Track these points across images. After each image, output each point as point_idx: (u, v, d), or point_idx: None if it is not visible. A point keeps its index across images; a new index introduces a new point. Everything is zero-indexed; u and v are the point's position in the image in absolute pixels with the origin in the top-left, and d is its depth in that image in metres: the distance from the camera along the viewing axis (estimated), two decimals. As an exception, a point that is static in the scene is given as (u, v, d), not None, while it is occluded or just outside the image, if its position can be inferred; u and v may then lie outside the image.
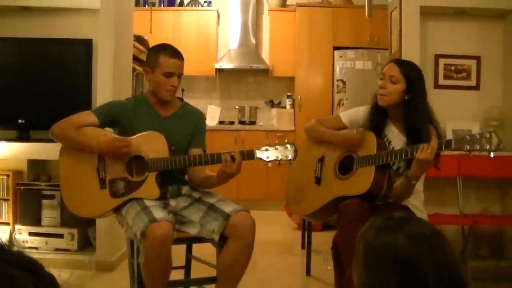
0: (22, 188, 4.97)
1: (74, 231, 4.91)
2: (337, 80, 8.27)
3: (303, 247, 5.67)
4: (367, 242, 1.41)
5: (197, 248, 3.73)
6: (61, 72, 5.01)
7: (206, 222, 3.25)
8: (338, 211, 3.38)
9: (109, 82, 4.86)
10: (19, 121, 4.93)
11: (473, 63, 5.12)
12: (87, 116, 3.43)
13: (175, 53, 3.45)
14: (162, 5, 8.94)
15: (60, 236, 4.91)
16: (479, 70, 5.12)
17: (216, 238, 3.19)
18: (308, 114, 8.20)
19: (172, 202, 3.39)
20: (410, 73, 3.47)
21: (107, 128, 3.51)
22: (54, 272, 1.09)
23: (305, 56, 8.54)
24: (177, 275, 3.60)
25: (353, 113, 3.75)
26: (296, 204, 3.97)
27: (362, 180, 3.40)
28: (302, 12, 8.58)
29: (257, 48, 9.05)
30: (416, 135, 3.38)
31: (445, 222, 4.54)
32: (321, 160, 3.75)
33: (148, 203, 3.20)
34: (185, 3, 9.09)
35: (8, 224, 4.94)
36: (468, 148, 2.99)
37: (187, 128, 3.55)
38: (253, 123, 8.77)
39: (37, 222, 4.95)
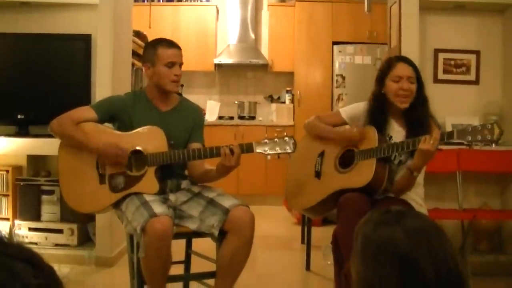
0: (21, 183, 4.97)
1: (74, 227, 4.91)
2: (337, 75, 8.27)
3: (302, 242, 5.67)
4: (365, 236, 1.41)
5: (196, 243, 3.73)
6: (60, 68, 5.01)
7: (206, 217, 3.25)
8: (338, 205, 3.38)
9: (108, 77, 4.86)
10: (18, 116, 4.92)
11: (472, 57, 5.12)
12: (86, 112, 3.42)
13: (172, 43, 3.47)
14: (161, 0, 8.93)
15: (59, 231, 4.92)
16: (479, 65, 5.12)
17: (216, 232, 3.19)
18: (307, 109, 8.21)
19: (172, 197, 3.39)
20: (417, 69, 3.50)
21: (106, 124, 3.50)
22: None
23: (304, 51, 8.54)
24: (177, 270, 3.60)
25: (353, 109, 3.74)
26: (295, 198, 3.97)
27: (364, 172, 3.40)
28: (301, 7, 8.58)
29: (256, 43, 9.04)
30: (418, 127, 3.40)
31: (445, 217, 4.54)
32: (321, 154, 3.75)
33: (147, 198, 3.20)
34: (184, -2, 9.09)
35: (8, 219, 4.95)
36: (470, 139, 3.00)
37: (186, 123, 3.54)
38: (252, 118, 8.77)
39: (36, 217, 4.96)
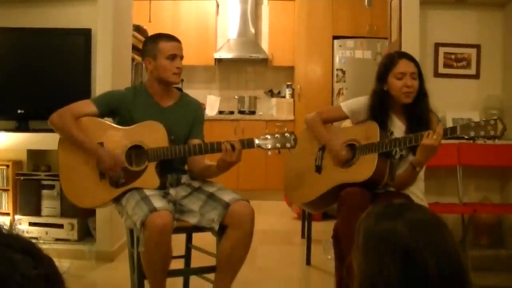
0: (22, 178, 4.98)
1: (74, 221, 4.91)
2: (337, 70, 8.27)
3: (303, 237, 5.68)
4: (367, 230, 1.41)
5: (197, 238, 3.73)
6: (60, 62, 5.00)
7: (206, 211, 3.25)
8: (339, 200, 3.38)
9: (108, 72, 4.85)
10: (19, 111, 4.92)
11: (473, 51, 5.11)
12: (87, 106, 3.41)
13: (172, 37, 3.49)
14: (161, -5, 8.91)
15: (60, 226, 4.92)
16: (479, 59, 5.11)
17: (216, 227, 3.19)
18: (307, 103, 8.21)
19: (172, 192, 3.39)
20: (418, 64, 3.50)
21: (106, 118, 3.50)
22: (53, 262, 1.09)
23: (304, 45, 8.53)
24: (177, 264, 3.60)
25: (354, 103, 3.73)
26: (295, 192, 3.96)
27: (365, 167, 3.40)
28: (301, 1, 8.57)
29: (256, 38, 9.03)
30: (418, 122, 3.41)
31: (445, 211, 4.54)
32: (322, 149, 3.75)
33: (147, 192, 3.20)
34: (184, -7, 9.07)
35: (8, 214, 4.95)
36: (473, 134, 3.00)
37: (186, 118, 3.54)
38: (252, 113, 8.77)
39: (37, 212, 4.96)
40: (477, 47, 5.11)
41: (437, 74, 5.09)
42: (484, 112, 5.01)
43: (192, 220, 3.28)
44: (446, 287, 1.31)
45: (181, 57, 3.47)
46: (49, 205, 4.95)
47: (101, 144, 3.36)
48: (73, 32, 4.98)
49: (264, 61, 8.93)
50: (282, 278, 4.63)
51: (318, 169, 3.73)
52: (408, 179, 3.39)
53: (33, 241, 1.07)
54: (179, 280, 3.81)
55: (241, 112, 8.77)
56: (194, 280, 3.77)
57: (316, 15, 8.48)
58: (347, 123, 4.11)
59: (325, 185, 3.60)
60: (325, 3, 8.49)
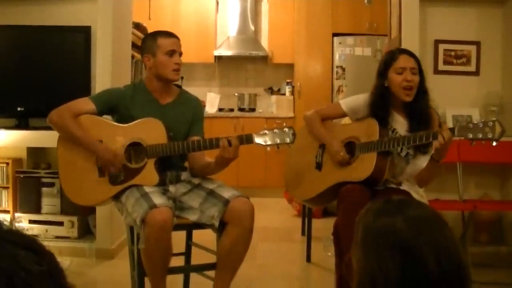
0: (21, 176, 4.98)
1: (74, 219, 4.91)
2: (337, 67, 8.26)
3: (303, 234, 5.68)
4: (366, 226, 1.41)
5: (197, 235, 3.73)
6: (59, 60, 5.00)
7: (206, 208, 3.25)
8: (338, 197, 3.39)
9: (108, 69, 4.85)
10: (18, 109, 4.92)
11: (473, 48, 5.11)
12: (85, 104, 3.41)
13: (171, 33, 3.50)
14: (160, -8, 8.90)
15: (60, 223, 4.92)
16: (479, 56, 5.10)
17: (216, 223, 3.19)
18: (307, 101, 8.21)
19: (172, 188, 3.40)
20: (418, 61, 3.50)
21: (105, 116, 3.50)
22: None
23: (304, 42, 8.52)
24: (177, 261, 3.60)
25: (353, 101, 3.73)
26: (295, 188, 3.98)
27: (364, 166, 3.41)
28: (301, -1, 8.56)
29: (256, 35, 9.02)
30: (419, 119, 3.44)
31: (445, 208, 4.54)
32: (322, 146, 3.75)
33: (147, 189, 3.20)
34: (184, -10, 9.06)
35: (8, 212, 4.95)
36: (471, 136, 3.01)
37: (186, 115, 3.54)
38: (252, 110, 8.76)
39: (37, 210, 4.96)
40: (477, 44, 5.11)
41: (437, 71, 5.09)
42: (484, 109, 5.01)
43: (192, 217, 3.28)
44: (446, 284, 1.31)
45: (180, 53, 3.47)
46: (49, 202, 4.96)
47: (100, 141, 3.36)
48: (72, 30, 4.98)
49: (264, 59, 8.93)
50: (282, 275, 4.63)
51: (318, 166, 3.74)
52: (432, 174, 3.41)
53: (33, 238, 1.07)
54: (179, 277, 3.81)
55: (241, 109, 8.76)
56: (194, 277, 3.77)
57: (316, 12, 8.47)
58: (347, 120, 4.11)
59: (325, 182, 3.62)
60: (324, 1, 8.49)
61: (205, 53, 8.72)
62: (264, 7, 9.11)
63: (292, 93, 8.73)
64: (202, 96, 7.98)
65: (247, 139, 3.25)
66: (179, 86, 3.68)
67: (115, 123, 3.44)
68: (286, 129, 3.27)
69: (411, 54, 3.51)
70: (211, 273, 3.41)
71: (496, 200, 4.94)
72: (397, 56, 3.49)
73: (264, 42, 9.02)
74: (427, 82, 3.53)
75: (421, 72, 3.48)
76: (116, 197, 3.37)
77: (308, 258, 4.94)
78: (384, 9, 5.92)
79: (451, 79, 5.08)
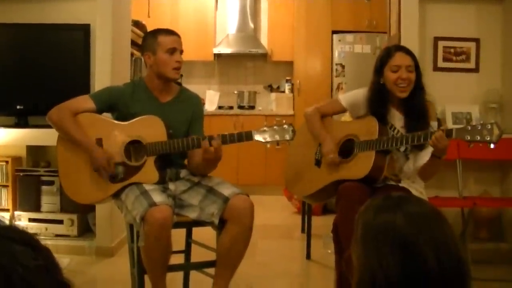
0: (21, 174, 4.98)
1: (74, 217, 4.91)
2: (336, 64, 8.26)
3: (303, 231, 5.69)
4: (366, 222, 1.41)
5: (196, 232, 3.73)
6: (59, 58, 4.99)
7: (205, 206, 3.25)
8: (337, 194, 3.40)
9: (107, 67, 4.85)
10: (18, 107, 4.92)
11: (472, 45, 5.10)
12: (85, 102, 3.41)
13: (172, 31, 3.48)
14: (159, -10, 8.89)
15: (59, 222, 4.93)
16: (478, 53, 5.09)
17: (216, 221, 3.19)
18: (307, 98, 8.20)
19: (171, 186, 3.39)
20: (415, 58, 3.50)
21: (105, 114, 3.50)
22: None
23: (303, 40, 8.52)
24: (177, 259, 3.61)
25: (353, 96, 3.74)
26: (295, 185, 4.00)
27: (362, 164, 3.42)
28: (300, -4, 8.55)
29: (255, 33, 9.01)
30: (416, 115, 3.45)
31: (445, 205, 4.54)
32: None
33: (147, 187, 3.20)
34: (183, -12, 9.05)
35: (7, 210, 4.95)
36: (469, 138, 3.03)
37: (185, 113, 3.54)
38: (252, 107, 8.76)
39: (36, 208, 4.96)
40: (476, 40, 5.10)
41: (436, 68, 5.08)
42: (483, 106, 5.00)
43: (192, 214, 3.28)
44: (446, 280, 1.31)
45: (181, 51, 3.46)
46: (48, 201, 4.96)
47: (100, 139, 3.36)
48: (72, 28, 4.97)
49: (264, 56, 8.93)
50: (282, 273, 4.63)
51: (318, 163, 3.75)
52: (434, 169, 3.43)
53: (32, 235, 1.08)
54: (179, 275, 3.81)
55: (240, 107, 8.76)
56: (194, 275, 3.77)
57: (315, 10, 8.47)
58: (347, 117, 4.12)
59: (324, 180, 3.63)
60: (324, -2, 8.49)
61: (204, 51, 8.72)
62: (264, 4, 9.10)
63: (292, 90, 8.73)
64: (202, 94, 7.96)
65: (247, 136, 3.25)
66: (179, 84, 3.68)
67: (115, 121, 3.44)
68: (285, 126, 3.28)
69: (407, 52, 3.51)
70: (211, 270, 3.41)
71: (495, 197, 4.94)
72: (393, 53, 3.50)
73: (264, 39, 9.02)
74: (424, 78, 3.54)
75: (417, 69, 3.49)
76: (116, 195, 3.37)
77: (308, 256, 4.94)
78: (383, 6, 5.92)
79: (450, 76, 5.07)
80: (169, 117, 3.39)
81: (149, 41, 3.44)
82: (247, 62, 9.19)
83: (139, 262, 3.17)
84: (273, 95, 8.80)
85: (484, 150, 3.70)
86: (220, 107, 8.70)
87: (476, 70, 5.10)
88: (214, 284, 3.32)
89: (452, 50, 5.09)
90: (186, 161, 3.58)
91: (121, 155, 3.34)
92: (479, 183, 4.99)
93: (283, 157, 4.20)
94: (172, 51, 3.39)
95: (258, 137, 3.25)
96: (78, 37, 4.94)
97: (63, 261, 4.49)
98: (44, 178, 4.96)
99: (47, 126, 3.54)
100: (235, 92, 8.91)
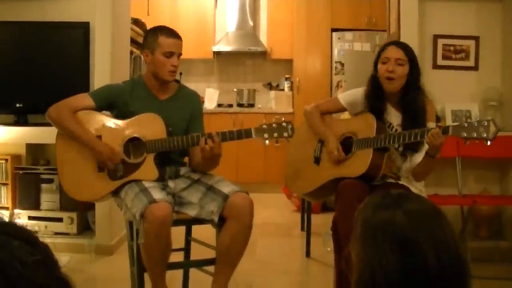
0: (20, 172, 4.98)
1: (74, 215, 4.92)
2: (336, 62, 8.26)
3: (302, 229, 5.69)
4: (365, 220, 1.41)
5: (196, 230, 3.73)
6: (58, 56, 4.99)
7: (205, 203, 3.25)
8: (336, 192, 3.41)
9: (107, 65, 4.85)
10: (17, 105, 4.92)
11: (472, 43, 5.10)
12: (84, 100, 3.41)
13: (173, 33, 3.45)
14: (159, -12, 8.88)
15: (59, 220, 4.93)
16: (478, 51, 5.09)
17: (215, 219, 3.19)
18: (306, 96, 8.20)
19: (171, 184, 3.39)
20: (411, 53, 3.51)
21: (104, 111, 3.49)
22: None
23: (303, 38, 8.51)
24: (176, 257, 3.61)
25: (352, 95, 3.76)
26: (294, 183, 4.01)
27: (360, 162, 3.44)
28: (300, -6, 8.54)
29: (255, 31, 9.01)
30: (413, 112, 3.46)
31: (444, 203, 4.53)
32: (321, 140, 3.76)
33: (146, 184, 3.20)
34: (182, -14, 9.04)
35: (7, 208, 4.95)
36: (465, 135, 3.02)
37: (184, 110, 3.54)
38: (251, 106, 8.76)
39: (36, 206, 4.96)
40: (476, 38, 5.10)
41: (435, 66, 5.08)
42: (483, 104, 5.00)
43: (192, 212, 3.28)
44: (446, 278, 1.31)
45: (179, 55, 3.45)
46: (48, 199, 4.96)
47: (99, 137, 3.36)
48: (71, 26, 4.97)
49: (263, 54, 8.92)
50: (281, 270, 4.64)
51: (317, 160, 3.76)
52: (427, 168, 3.42)
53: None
54: (179, 272, 3.81)
55: (240, 105, 8.76)
56: (193, 272, 3.77)
57: (315, 8, 8.46)
58: (346, 115, 4.12)
59: (322, 177, 3.65)
60: (323, -4, 8.48)
61: (203, 49, 8.71)
62: (263, 2, 9.09)
63: (291, 88, 8.73)
64: (201, 92, 7.97)
65: (246, 134, 3.26)
66: (178, 81, 3.67)
67: (114, 119, 3.44)
68: (284, 124, 3.28)
69: (401, 46, 3.53)
70: (211, 268, 3.41)
71: (495, 195, 4.94)
72: (386, 47, 3.55)
73: (263, 37, 9.01)
74: (425, 77, 3.54)
75: (415, 66, 3.48)
76: (116, 193, 3.37)
77: (308, 253, 4.94)
78: (383, 4, 5.92)
79: (450, 74, 5.07)
80: (168, 115, 3.39)
81: (150, 39, 3.43)
82: (246, 60, 9.18)
83: (139, 260, 3.17)
84: (273, 93, 8.80)
85: (484, 148, 3.71)
86: (219, 105, 8.69)
87: (475, 68, 5.10)
88: (213, 282, 3.32)
89: (451, 48, 5.09)
90: (185, 159, 3.58)
91: (121, 153, 3.34)
92: (478, 181, 4.99)
93: (283, 155, 4.20)
94: (170, 55, 3.38)
95: (257, 135, 3.25)
96: (78, 35, 4.94)
97: (63, 259, 4.49)
98: (43, 176, 4.96)
99: (47, 124, 3.54)
100: (235, 90, 8.90)
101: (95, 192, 3.42)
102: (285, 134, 3.27)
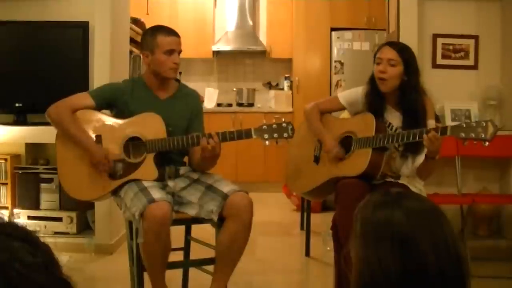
0: (20, 172, 4.98)
1: (73, 214, 4.91)
2: (335, 61, 8.26)
3: (302, 228, 5.69)
4: (365, 218, 1.41)
5: (196, 230, 3.73)
6: (57, 55, 4.99)
7: (204, 203, 3.25)
8: (336, 191, 3.42)
9: (106, 65, 4.85)
10: (16, 105, 4.91)
11: (471, 42, 5.10)
12: (84, 99, 3.41)
13: (171, 31, 3.45)
14: (158, -13, 8.88)
15: (59, 219, 4.92)
16: (477, 50, 5.10)
17: (215, 218, 3.19)
18: (306, 95, 8.20)
19: (170, 183, 3.39)
20: (406, 54, 3.49)
21: (104, 111, 3.49)
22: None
23: (302, 37, 8.51)
24: (176, 256, 3.60)
25: (351, 94, 3.76)
26: (294, 182, 4.02)
27: (359, 161, 3.44)
28: (299, -7, 8.54)
29: (254, 30, 9.01)
30: (412, 112, 3.45)
31: (444, 202, 4.54)
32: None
33: (146, 184, 3.20)
34: (182, -15, 9.03)
35: (6, 208, 4.95)
36: (463, 136, 3.02)
37: (184, 110, 3.54)
38: (251, 105, 8.76)
39: (35, 205, 4.96)
40: (475, 38, 5.10)
41: (435, 65, 5.08)
42: (482, 103, 5.00)
43: (191, 211, 3.28)
44: (445, 277, 1.31)
45: (179, 52, 3.45)
46: (47, 198, 4.95)
47: (99, 136, 3.36)
48: (70, 25, 4.96)
49: (262, 53, 8.91)
50: (281, 269, 4.64)
51: (316, 159, 3.76)
52: (428, 169, 3.43)
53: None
54: (179, 272, 3.81)
55: (239, 104, 8.75)
56: (193, 272, 3.77)
57: (314, 7, 8.45)
58: (346, 114, 4.12)
59: (322, 176, 3.65)
60: (323, -5, 8.48)
61: (203, 48, 8.71)
62: (262, 1, 9.09)
63: (291, 88, 8.73)
64: (201, 91, 7.94)
65: (246, 134, 3.26)
66: (178, 80, 3.67)
67: (114, 119, 3.44)
68: (284, 124, 3.28)
69: (394, 46, 3.52)
70: (210, 267, 3.41)
71: (495, 194, 4.94)
72: (380, 47, 3.55)
73: (263, 37, 9.01)
74: (424, 76, 3.54)
75: (410, 66, 3.47)
76: (115, 192, 3.37)
77: (307, 252, 4.94)
78: (382, 3, 5.91)
79: (449, 73, 5.08)
80: (168, 114, 3.39)
81: (148, 40, 3.42)
82: (246, 59, 9.18)
83: (139, 259, 3.17)
84: (272, 92, 8.80)
85: (483, 147, 3.72)
86: (219, 105, 8.68)
87: (475, 67, 5.11)
88: (213, 281, 3.32)
89: (451, 47, 5.10)
90: (185, 159, 3.58)
91: (121, 152, 3.34)
92: (478, 180, 4.99)
93: (282, 154, 4.20)
94: (171, 52, 3.38)
95: (257, 135, 3.25)
96: (77, 34, 4.93)
97: (62, 258, 4.48)
98: (43, 176, 4.96)
99: (46, 124, 3.54)
100: (234, 89, 8.90)
101: (94, 191, 3.42)
102: (285, 135, 3.27)
